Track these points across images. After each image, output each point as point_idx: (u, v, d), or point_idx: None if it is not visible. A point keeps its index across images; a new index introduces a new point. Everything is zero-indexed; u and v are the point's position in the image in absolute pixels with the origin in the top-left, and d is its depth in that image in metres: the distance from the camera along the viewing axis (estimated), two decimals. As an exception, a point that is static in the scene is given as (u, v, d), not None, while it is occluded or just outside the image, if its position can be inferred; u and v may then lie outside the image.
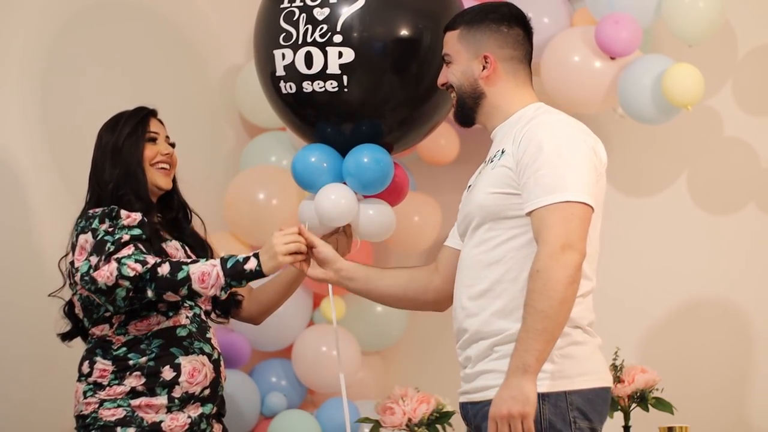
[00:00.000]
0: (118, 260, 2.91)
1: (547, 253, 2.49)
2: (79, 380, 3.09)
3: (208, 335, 3.14)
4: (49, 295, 3.14)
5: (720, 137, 4.12)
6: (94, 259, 2.94)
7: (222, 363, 3.16)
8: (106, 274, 2.92)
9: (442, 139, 4.03)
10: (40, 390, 3.69)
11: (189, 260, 2.98)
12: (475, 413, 2.67)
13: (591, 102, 3.84)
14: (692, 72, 3.67)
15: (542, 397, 2.55)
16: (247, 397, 3.95)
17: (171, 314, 3.08)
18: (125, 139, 3.14)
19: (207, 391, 3.10)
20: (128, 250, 2.95)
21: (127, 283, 2.91)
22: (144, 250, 2.98)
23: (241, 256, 2.94)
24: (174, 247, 3.17)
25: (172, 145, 3.24)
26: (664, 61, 3.74)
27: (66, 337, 3.18)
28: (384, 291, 2.99)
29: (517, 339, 2.50)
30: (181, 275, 2.92)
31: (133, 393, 3.02)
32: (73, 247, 3.04)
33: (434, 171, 4.06)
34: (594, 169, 2.61)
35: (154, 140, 3.20)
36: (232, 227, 4.11)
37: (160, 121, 3.25)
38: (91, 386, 3.05)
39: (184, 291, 2.93)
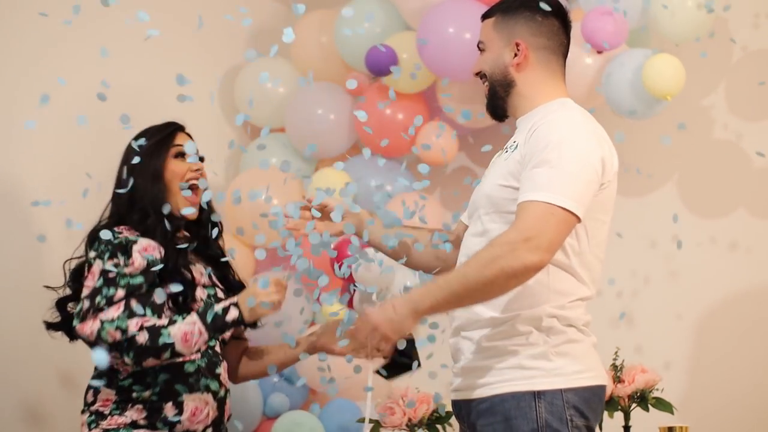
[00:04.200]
0: (102, 322, 2.93)
1: (510, 238, 2.46)
2: (83, 412, 3.06)
3: (217, 370, 3.11)
4: (45, 287, 3.13)
5: (711, 139, 4.11)
6: (86, 305, 2.96)
7: (228, 400, 3.13)
8: (87, 331, 2.95)
9: (441, 138, 4.03)
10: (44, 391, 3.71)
11: (167, 321, 2.95)
12: (469, 411, 2.66)
13: (576, 97, 3.80)
14: (672, 62, 3.63)
15: (538, 395, 2.55)
16: (249, 398, 3.95)
17: None
18: (149, 154, 3.12)
19: (209, 430, 3.08)
20: (116, 310, 2.94)
21: (105, 346, 2.93)
22: (134, 308, 2.95)
23: (219, 308, 2.95)
24: (199, 272, 3.15)
25: (201, 159, 3.20)
26: (646, 54, 3.71)
27: (51, 326, 3.12)
28: (411, 261, 2.98)
29: (435, 279, 2.48)
30: (162, 340, 2.93)
31: (134, 425, 2.99)
32: (89, 265, 3.03)
33: (434, 171, 4.06)
34: (594, 177, 2.56)
35: (183, 155, 3.17)
36: (233, 228, 4.12)
37: (189, 135, 3.22)
38: (94, 416, 3.03)
39: (166, 355, 2.95)
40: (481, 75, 2.79)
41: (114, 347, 2.93)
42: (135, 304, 2.96)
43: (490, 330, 2.62)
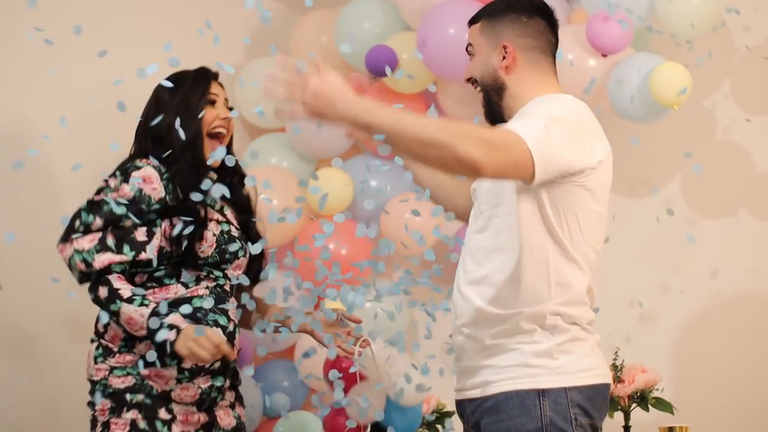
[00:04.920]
0: (74, 250, 3.00)
1: (481, 133, 2.39)
2: (92, 340, 3.09)
3: (225, 306, 3.11)
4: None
5: (715, 140, 4.11)
6: (67, 225, 3.03)
7: (237, 335, 3.14)
8: (63, 254, 3.02)
9: (442, 139, 4.03)
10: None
11: (126, 297, 2.97)
12: (473, 410, 2.65)
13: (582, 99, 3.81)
14: (679, 71, 3.63)
15: (542, 393, 2.55)
16: (249, 398, 3.95)
17: (191, 285, 3.09)
18: (187, 97, 3.13)
19: (217, 364, 3.09)
20: (90, 241, 3.00)
21: (74, 273, 3.02)
22: (108, 243, 2.99)
23: (167, 321, 2.95)
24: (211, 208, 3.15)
25: (230, 110, 3.21)
26: (654, 59, 3.72)
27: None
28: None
29: (394, 107, 2.41)
30: (113, 308, 2.98)
31: (143, 362, 3.00)
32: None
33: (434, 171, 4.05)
34: (565, 146, 2.52)
35: (213, 103, 3.18)
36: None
37: (221, 85, 3.24)
38: (102, 351, 3.05)
39: (113, 318, 3.01)
40: (472, 81, 2.79)
41: (78, 276, 3.02)
42: (110, 240, 3.01)
43: (493, 328, 2.62)
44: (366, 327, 3.31)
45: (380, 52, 3.91)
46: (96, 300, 3.00)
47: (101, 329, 3.08)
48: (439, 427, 3.68)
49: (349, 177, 4.05)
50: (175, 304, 3.00)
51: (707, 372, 4.03)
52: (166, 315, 2.95)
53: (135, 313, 2.95)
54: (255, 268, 3.20)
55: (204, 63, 4.21)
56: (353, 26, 4.09)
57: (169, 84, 2.97)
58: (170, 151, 3.08)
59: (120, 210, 3.01)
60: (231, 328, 3.11)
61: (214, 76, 3.22)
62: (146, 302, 2.97)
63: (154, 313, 2.95)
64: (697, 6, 3.68)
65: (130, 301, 2.96)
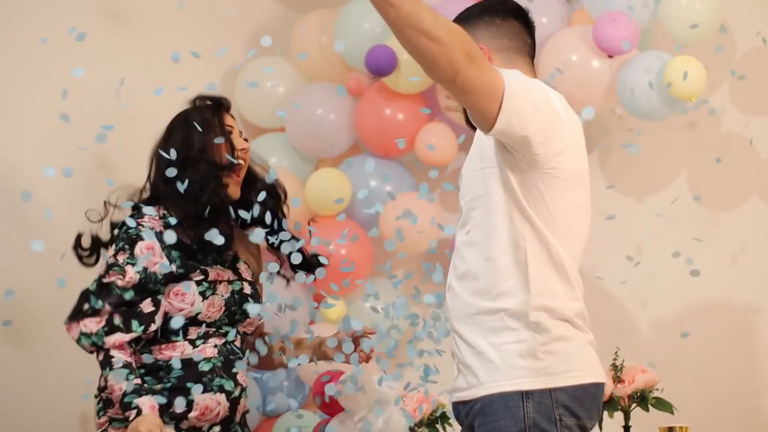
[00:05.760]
0: (81, 333, 2.99)
1: (470, 47, 2.41)
2: (96, 395, 3.08)
3: (234, 369, 3.09)
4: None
5: (718, 134, 4.12)
6: (75, 305, 3.03)
7: (243, 399, 3.12)
8: (71, 333, 3.02)
9: (441, 139, 4.04)
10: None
11: (116, 368, 2.96)
12: (467, 413, 2.65)
13: (590, 101, 3.83)
14: (694, 64, 3.65)
15: (526, 395, 2.54)
16: (249, 398, 3.95)
17: (199, 344, 3.07)
18: (199, 135, 3.10)
19: (216, 429, 3.08)
20: (97, 324, 3.00)
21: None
22: (115, 323, 2.99)
23: (139, 401, 2.94)
24: (219, 269, 3.13)
25: (246, 140, 3.20)
26: (662, 56, 3.74)
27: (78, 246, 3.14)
28: None
29: None
30: (104, 373, 2.99)
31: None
32: (111, 242, 3.11)
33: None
34: (537, 97, 2.54)
35: (229, 134, 3.15)
36: (233, 228, 4.11)
37: (232, 116, 3.23)
38: (102, 404, 3.05)
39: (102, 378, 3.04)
40: None
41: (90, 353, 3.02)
42: (117, 320, 3.00)
43: (480, 326, 2.61)
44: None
45: (380, 52, 3.92)
46: (97, 359, 3.02)
47: (102, 383, 3.05)
48: (439, 427, 3.68)
49: (347, 178, 4.05)
50: (182, 365, 3.01)
51: (707, 372, 4.03)
52: (141, 395, 2.95)
53: (116, 386, 2.95)
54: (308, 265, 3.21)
55: (203, 63, 4.24)
56: (353, 26, 4.09)
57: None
58: (188, 188, 3.04)
59: (129, 295, 3.02)
60: (237, 393, 3.09)
61: (227, 108, 3.21)
62: (130, 377, 2.96)
63: (131, 390, 2.95)
64: (699, 11, 3.69)
65: (117, 370, 2.96)
